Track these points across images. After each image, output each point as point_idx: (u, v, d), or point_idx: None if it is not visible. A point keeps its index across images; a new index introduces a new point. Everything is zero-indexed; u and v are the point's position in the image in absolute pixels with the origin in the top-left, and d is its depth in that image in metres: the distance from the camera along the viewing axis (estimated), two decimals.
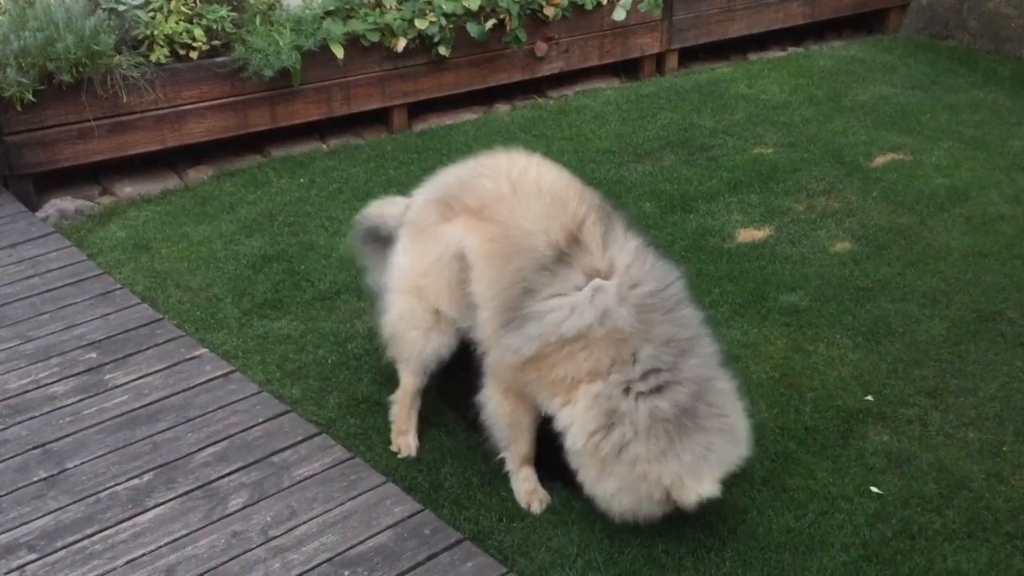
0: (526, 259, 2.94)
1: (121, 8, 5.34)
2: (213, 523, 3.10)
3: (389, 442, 3.52)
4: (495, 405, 3.16)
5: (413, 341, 3.35)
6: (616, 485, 2.88)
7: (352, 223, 3.93)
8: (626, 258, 2.93)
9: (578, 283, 2.90)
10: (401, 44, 6.15)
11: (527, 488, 3.24)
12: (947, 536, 3.09)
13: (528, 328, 2.90)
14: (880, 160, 5.89)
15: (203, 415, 3.61)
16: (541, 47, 6.81)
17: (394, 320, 3.38)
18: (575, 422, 2.90)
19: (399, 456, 3.46)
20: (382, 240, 3.59)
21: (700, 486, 2.80)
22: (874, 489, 3.28)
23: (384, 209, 3.76)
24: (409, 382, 3.46)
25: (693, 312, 3.00)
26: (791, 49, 8.18)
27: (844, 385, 3.81)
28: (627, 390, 2.84)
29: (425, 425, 3.60)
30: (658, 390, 2.83)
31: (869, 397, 3.74)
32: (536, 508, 3.21)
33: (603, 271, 2.91)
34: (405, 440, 3.49)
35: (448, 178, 3.33)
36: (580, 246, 2.93)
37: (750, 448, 2.98)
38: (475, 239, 3.09)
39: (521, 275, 2.94)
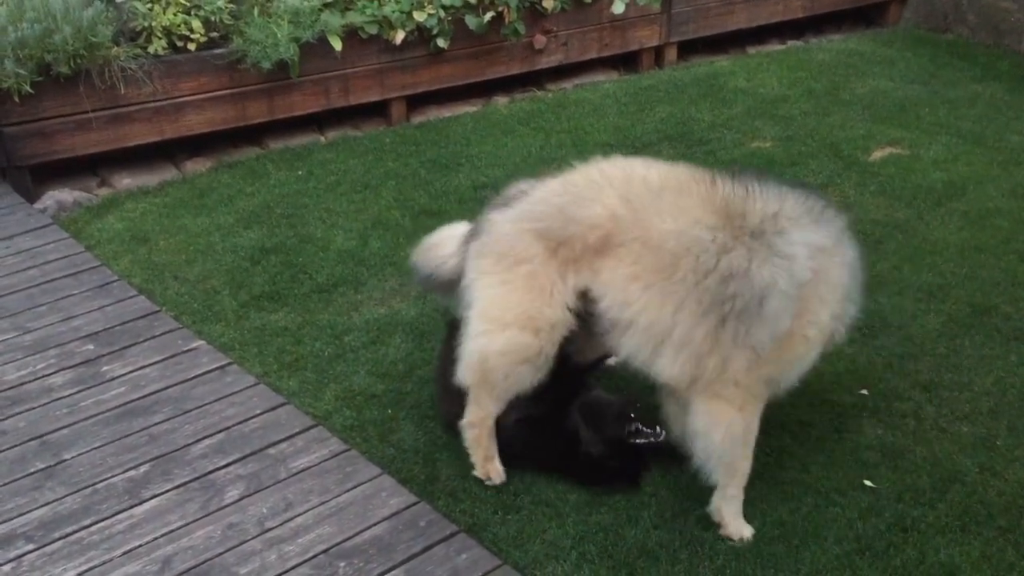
0: (695, 254, 2.78)
1: (119, 0, 5.35)
2: (209, 514, 3.12)
3: (385, 434, 3.53)
4: (735, 427, 2.92)
5: (520, 375, 3.09)
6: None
7: (409, 267, 3.73)
8: (775, 202, 2.86)
9: (773, 241, 2.79)
10: (399, 36, 6.15)
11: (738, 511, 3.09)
12: (940, 529, 3.11)
13: (770, 303, 2.75)
14: (878, 154, 5.89)
15: (200, 407, 3.63)
16: (540, 40, 6.80)
17: (496, 354, 3.06)
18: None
19: (490, 484, 3.28)
20: (443, 284, 3.38)
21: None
22: (868, 483, 3.30)
23: (438, 250, 3.43)
24: (492, 409, 3.22)
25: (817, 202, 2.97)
26: (790, 42, 8.18)
27: (839, 379, 3.82)
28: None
29: (420, 418, 3.62)
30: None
31: (864, 391, 3.76)
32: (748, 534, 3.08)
33: (779, 218, 2.82)
34: (493, 466, 3.29)
35: (544, 207, 3.01)
36: (742, 214, 2.81)
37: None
38: (610, 275, 2.90)
39: (703, 270, 2.77)
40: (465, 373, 3.16)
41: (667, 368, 2.90)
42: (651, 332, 2.87)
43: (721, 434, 2.92)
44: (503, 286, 3.02)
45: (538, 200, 3.02)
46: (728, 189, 2.85)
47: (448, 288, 3.35)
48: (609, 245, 2.88)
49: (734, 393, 2.87)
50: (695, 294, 2.78)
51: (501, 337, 3.03)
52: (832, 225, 2.91)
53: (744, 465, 3.04)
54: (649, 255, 2.82)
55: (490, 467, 3.29)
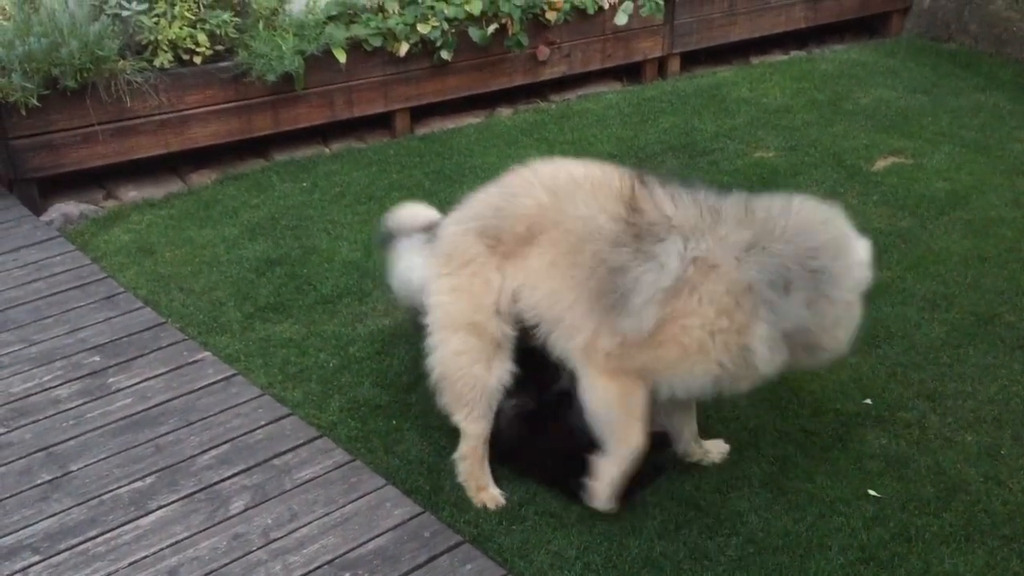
0: (596, 242, 2.95)
1: (125, 13, 5.38)
2: (215, 525, 3.13)
3: (389, 445, 3.55)
4: (608, 392, 3.00)
5: (477, 376, 3.15)
6: (830, 342, 2.99)
7: (379, 227, 3.84)
8: (682, 204, 2.95)
9: (653, 244, 2.90)
10: (403, 49, 6.18)
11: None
12: (944, 539, 3.11)
13: (634, 301, 2.88)
14: (881, 164, 5.90)
15: (205, 418, 3.64)
16: (543, 51, 6.83)
17: (449, 358, 3.17)
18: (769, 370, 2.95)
19: (490, 510, 3.26)
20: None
21: (859, 265, 3.00)
22: (872, 492, 3.30)
23: (414, 218, 3.71)
24: (475, 430, 3.24)
25: (733, 202, 3.00)
26: (793, 53, 8.20)
27: (843, 388, 3.82)
28: (776, 310, 2.86)
29: (425, 428, 3.63)
30: (788, 289, 2.86)
31: (868, 400, 3.76)
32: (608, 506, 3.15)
33: (669, 223, 2.92)
34: (489, 495, 3.28)
35: (481, 207, 3.23)
36: (640, 212, 2.94)
37: (843, 224, 3.03)
38: (536, 262, 3.06)
39: (599, 257, 2.94)
40: (439, 393, 3.26)
41: (560, 341, 3.06)
42: (553, 309, 3.04)
43: (595, 398, 3.03)
44: (452, 292, 3.17)
45: (477, 200, 3.26)
46: (642, 188, 3.00)
47: (405, 286, 3.53)
48: (535, 234, 3.06)
49: (607, 362, 2.98)
50: (592, 277, 2.95)
51: (453, 340, 3.17)
52: (737, 242, 2.88)
53: (625, 436, 3.04)
54: (562, 239, 3.01)
55: (485, 496, 3.29)
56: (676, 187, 3.02)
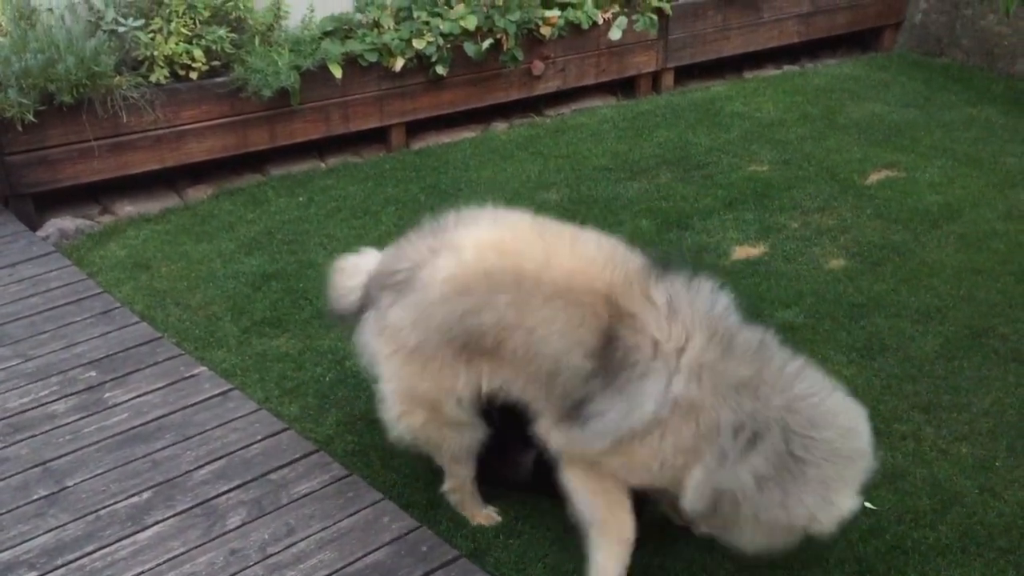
0: (568, 377, 2.69)
1: (121, 29, 5.40)
2: (212, 540, 3.12)
3: (386, 459, 3.54)
4: (580, 484, 2.85)
5: (449, 438, 3.07)
6: (747, 536, 2.70)
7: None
8: (665, 323, 2.63)
9: (630, 379, 2.63)
10: (399, 64, 6.21)
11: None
12: (940, 551, 3.11)
13: (592, 425, 2.68)
14: (874, 177, 5.93)
15: (202, 433, 3.64)
16: (538, 66, 6.87)
17: (417, 429, 3.06)
18: (686, 506, 2.73)
19: (487, 527, 3.28)
20: (341, 316, 3.32)
21: (836, 512, 2.59)
22: (868, 504, 3.30)
23: (345, 279, 3.31)
24: (460, 471, 3.20)
25: (748, 333, 2.70)
26: (786, 67, 8.25)
27: None
28: (722, 461, 2.60)
29: None
30: (752, 445, 2.57)
31: None
32: None
33: (650, 349, 2.63)
34: (484, 514, 3.29)
35: (440, 308, 2.83)
36: (620, 340, 2.63)
37: (869, 439, 2.65)
38: (508, 369, 2.82)
39: (567, 389, 2.70)
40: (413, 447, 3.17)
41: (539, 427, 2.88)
42: (521, 395, 2.86)
43: (571, 488, 2.87)
44: (411, 377, 2.94)
45: (434, 300, 2.84)
46: (634, 291, 2.67)
47: (344, 319, 3.30)
48: (503, 348, 2.78)
49: (580, 460, 2.83)
50: (561, 400, 2.74)
51: (419, 415, 3.01)
52: (731, 379, 2.59)
53: (611, 528, 2.87)
54: (534, 366, 2.74)
55: (479, 517, 3.29)
56: (686, 293, 2.69)
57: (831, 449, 2.56)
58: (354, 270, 3.29)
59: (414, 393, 2.97)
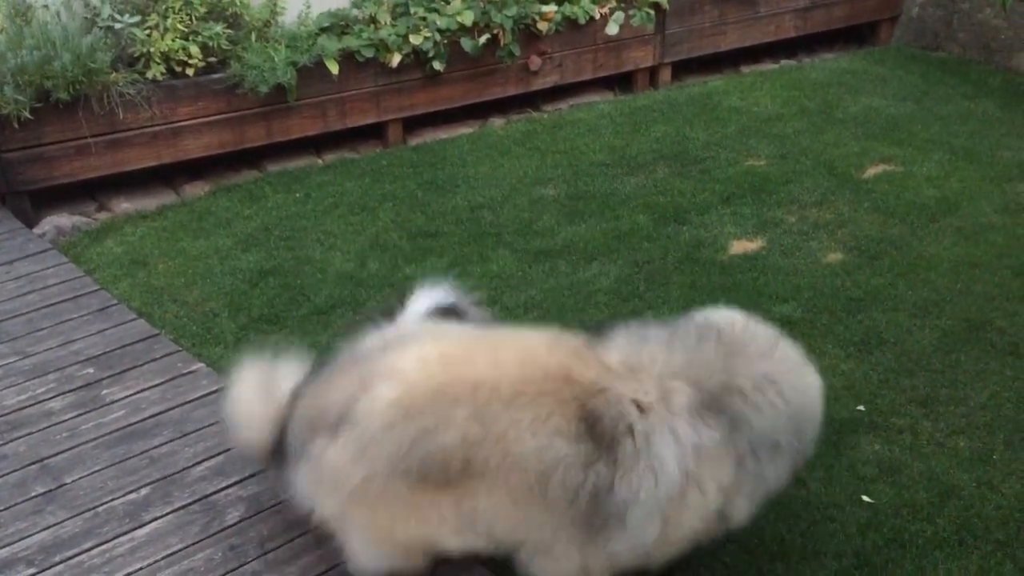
0: (562, 473, 2.39)
1: (117, 26, 5.39)
2: (210, 536, 3.12)
3: None
4: None
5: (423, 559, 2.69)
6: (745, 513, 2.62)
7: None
8: (633, 382, 2.44)
9: (637, 447, 2.39)
10: (396, 59, 6.20)
11: None
12: (938, 544, 3.12)
13: (632, 515, 2.40)
14: (871, 171, 5.93)
15: (200, 429, 3.64)
16: (535, 61, 6.86)
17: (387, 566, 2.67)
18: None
19: None
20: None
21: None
22: (866, 498, 3.31)
23: (248, 433, 2.91)
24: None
25: (705, 345, 2.54)
26: (783, 62, 8.24)
27: (836, 395, 3.84)
28: (759, 480, 2.53)
29: None
30: (776, 451, 2.52)
31: (860, 407, 3.78)
32: None
33: (635, 411, 2.42)
34: None
35: (388, 442, 2.44)
36: (597, 420, 2.39)
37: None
38: (485, 500, 2.46)
39: (572, 484, 2.39)
40: None
41: (546, 565, 2.57)
42: (533, 535, 2.52)
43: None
44: (366, 525, 2.59)
45: (379, 434, 2.44)
46: (587, 388, 2.43)
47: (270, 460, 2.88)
48: (474, 467, 2.42)
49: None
50: (569, 510, 2.42)
51: (385, 553, 2.65)
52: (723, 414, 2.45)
53: None
54: (517, 477, 2.40)
55: None
56: (635, 345, 2.50)
57: (801, 422, 2.59)
58: (258, 420, 2.86)
59: (375, 533, 2.59)
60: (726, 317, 2.64)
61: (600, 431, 2.39)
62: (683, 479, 2.40)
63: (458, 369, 2.47)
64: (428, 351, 2.54)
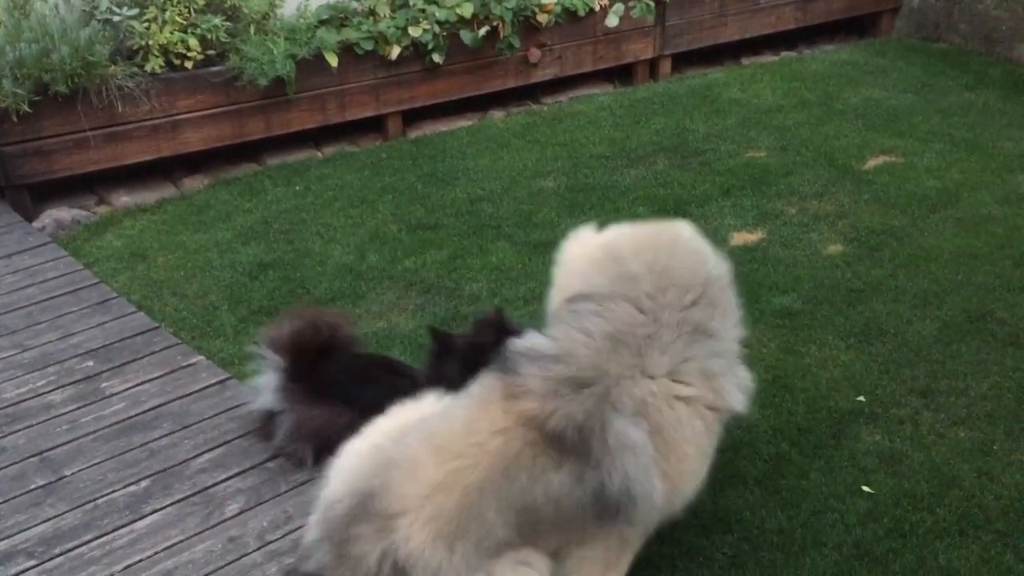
0: (566, 497, 2.43)
1: (116, 18, 5.38)
2: (210, 528, 3.12)
3: None
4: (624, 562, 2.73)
5: None
6: None
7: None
8: (564, 386, 2.45)
9: (602, 442, 2.43)
10: (395, 52, 6.19)
11: None
12: (938, 534, 3.12)
13: (633, 496, 2.46)
14: (872, 163, 5.92)
15: (200, 422, 3.64)
16: (535, 53, 6.84)
17: None
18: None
19: None
20: None
21: None
22: (866, 488, 3.31)
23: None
24: None
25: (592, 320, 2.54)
26: (783, 53, 8.22)
27: (836, 386, 3.84)
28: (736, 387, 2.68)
29: None
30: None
31: (861, 398, 3.77)
32: None
33: (591, 403, 2.45)
34: None
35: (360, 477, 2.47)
36: (560, 435, 2.42)
37: None
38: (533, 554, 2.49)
39: (579, 505, 2.44)
40: None
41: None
42: (572, 562, 2.61)
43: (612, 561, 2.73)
44: None
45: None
46: (534, 418, 2.44)
47: None
48: (447, 487, 2.40)
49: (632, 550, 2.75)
50: (586, 521, 2.50)
51: None
52: (678, 327, 2.53)
53: None
54: (543, 523, 2.47)
55: None
56: (533, 353, 2.51)
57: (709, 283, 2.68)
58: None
59: None
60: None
61: (570, 445, 2.42)
62: (650, 436, 2.46)
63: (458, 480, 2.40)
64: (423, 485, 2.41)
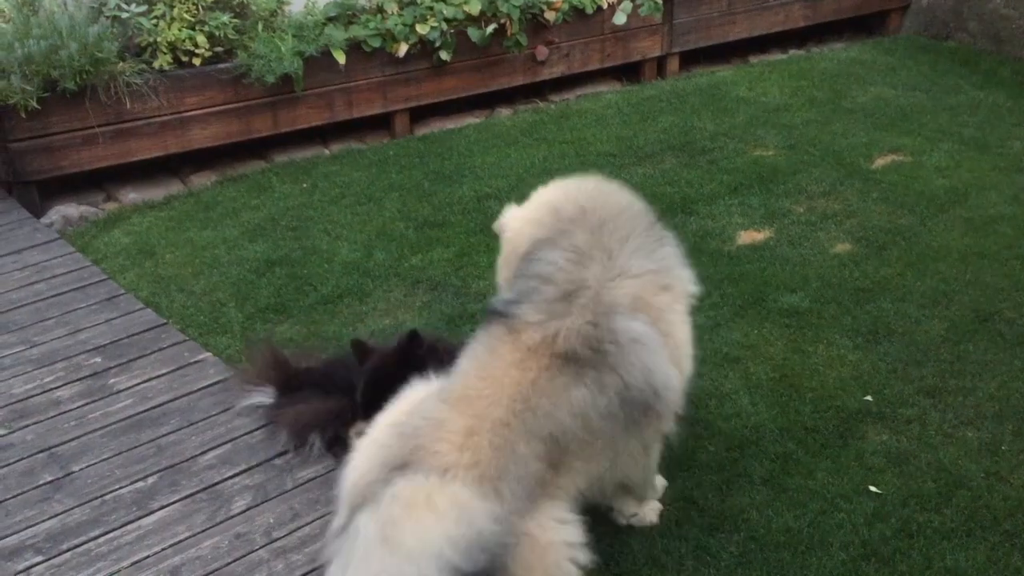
0: (594, 407, 2.55)
1: (124, 15, 5.39)
2: (217, 525, 3.13)
3: None
4: (652, 461, 2.97)
5: None
6: None
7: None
8: (559, 307, 2.59)
9: (609, 341, 2.58)
10: (402, 49, 6.19)
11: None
12: (946, 534, 3.11)
13: (657, 386, 2.63)
14: (880, 161, 5.90)
15: (207, 418, 3.65)
16: (542, 51, 6.84)
17: None
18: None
19: None
20: None
21: None
22: (873, 488, 3.30)
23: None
24: None
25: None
26: (792, 51, 8.20)
27: (844, 385, 3.83)
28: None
29: None
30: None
31: (868, 397, 3.76)
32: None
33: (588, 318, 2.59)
34: None
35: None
36: (572, 351, 2.54)
37: None
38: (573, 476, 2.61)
39: (611, 412, 2.58)
40: None
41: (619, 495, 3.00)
42: (617, 470, 2.78)
43: (649, 470, 3.01)
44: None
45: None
46: (545, 344, 2.55)
47: None
48: (559, 463, 2.56)
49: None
50: (621, 426, 2.63)
51: None
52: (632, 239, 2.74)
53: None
54: (577, 441, 2.56)
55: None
56: (542, 284, 2.64)
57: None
58: None
59: None
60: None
61: (584, 357, 2.54)
62: (652, 327, 2.64)
63: (482, 410, 2.46)
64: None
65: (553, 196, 2.91)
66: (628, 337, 2.57)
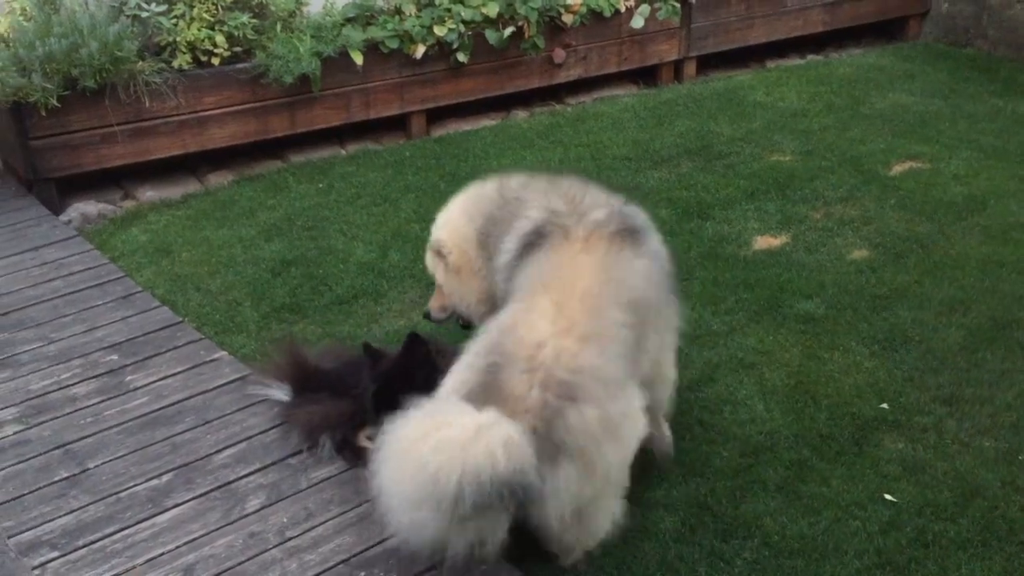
0: (638, 296, 2.91)
1: (144, 15, 5.41)
2: (231, 523, 3.14)
3: None
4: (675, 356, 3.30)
5: None
6: None
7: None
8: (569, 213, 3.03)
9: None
10: (420, 51, 6.20)
11: None
12: (961, 544, 3.09)
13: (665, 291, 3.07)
14: (898, 168, 5.88)
15: (222, 417, 3.66)
16: (559, 54, 6.84)
17: None
18: None
19: None
20: None
21: None
22: (888, 497, 3.28)
23: None
24: None
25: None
26: (810, 57, 8.18)
27: (859, 393, 3.81)
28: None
29: None
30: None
31: (884, 405, 3.74)
32: None
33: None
34: None
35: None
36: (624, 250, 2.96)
37: None
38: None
39: (650, 305, 2.98)
40: None
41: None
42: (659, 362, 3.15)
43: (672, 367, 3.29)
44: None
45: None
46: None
47: None
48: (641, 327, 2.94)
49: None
50: (656, 324, 3.03)
51: None
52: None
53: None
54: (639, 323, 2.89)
55: None
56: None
57: None
58: None
59: None
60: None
61: (628, 232, 2.97)
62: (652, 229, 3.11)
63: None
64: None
65: (488, 189, 3.32)
66: (643, 221, 3.09)
